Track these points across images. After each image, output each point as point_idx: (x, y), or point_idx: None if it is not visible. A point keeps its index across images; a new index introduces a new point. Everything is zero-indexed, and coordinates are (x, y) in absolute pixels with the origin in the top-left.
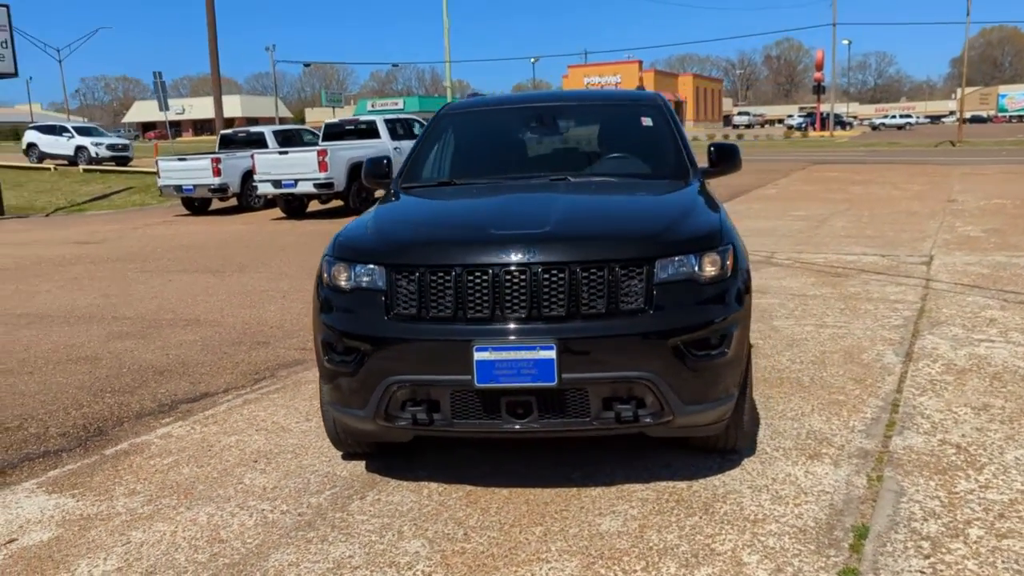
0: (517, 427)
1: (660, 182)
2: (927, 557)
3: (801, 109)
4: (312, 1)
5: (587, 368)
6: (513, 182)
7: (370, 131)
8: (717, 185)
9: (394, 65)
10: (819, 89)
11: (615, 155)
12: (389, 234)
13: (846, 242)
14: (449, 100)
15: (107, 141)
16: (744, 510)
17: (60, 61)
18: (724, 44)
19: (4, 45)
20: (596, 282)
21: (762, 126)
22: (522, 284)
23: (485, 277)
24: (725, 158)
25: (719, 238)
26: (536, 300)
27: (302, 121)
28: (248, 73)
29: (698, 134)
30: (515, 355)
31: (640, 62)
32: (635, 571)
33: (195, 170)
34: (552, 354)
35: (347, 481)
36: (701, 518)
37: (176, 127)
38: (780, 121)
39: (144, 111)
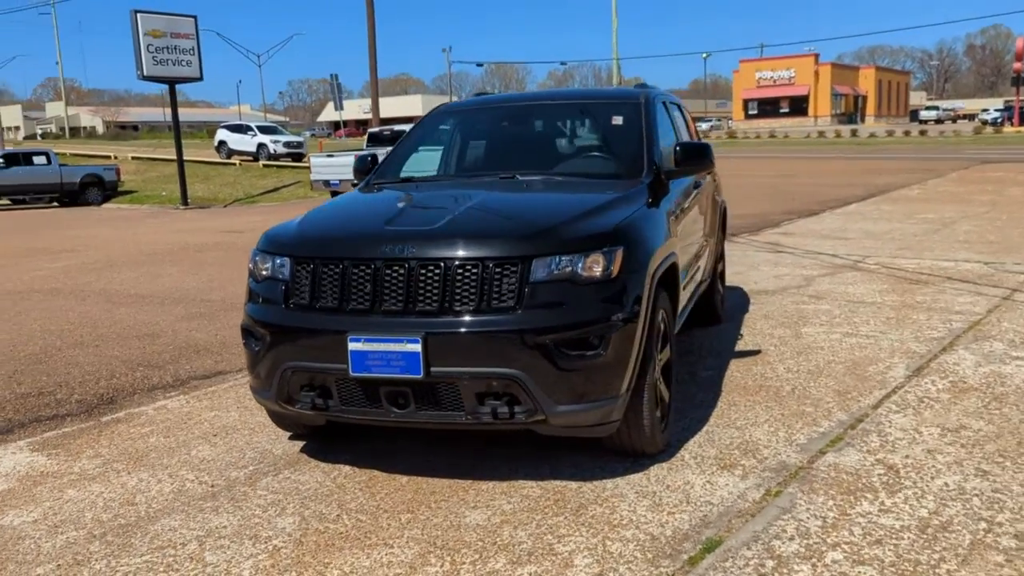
0: (396, 416)
1: (607, 181)
2: None
3: (1006, 103)
4: (491, 4)
5: (455, 363)
6: (466, 179)
7: None
8: (849, 185)
9: (562, 64)
10: (1019, 81)
11: (578, 154)
12: (304, 229)
13: (956, 247)
14: None
15: (284, 139)
16: (614, 514)
17: (260, 66)
18: (920, 34)
19: (191, 52)
20: (468, 279)
21: (954, 120)
22: (399, 279)
23: (367, 271)
24: (691, 158)
25: (608, 239)
26: (411, 295)
27: None
28: (435, 74)
29: (876, 130)
30: (385, 347)
31: (816, 55)
32: (464, 563)
33: (340, 166)
34: (418, 347)
35: (275, 459)
36: (565, 519)
37: (364, 125)
38: (975, 116)
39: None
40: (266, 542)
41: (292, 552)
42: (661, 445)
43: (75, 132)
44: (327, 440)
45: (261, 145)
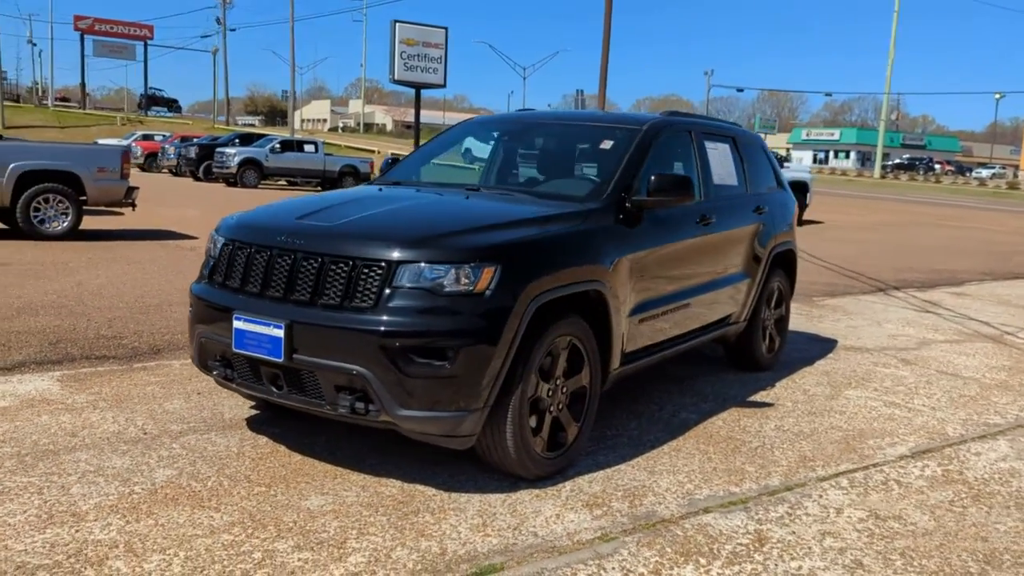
0: (276, 396)
1: (558, 203)
2: None
3: None
4: (757, 26)
5: (313, 352)
6: (436, 187)
7: None
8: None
9: (827, 95)
10: None
11: (561, 175)
12: (245, 214)
13: None
14: (881, 132)
15: None
16: (434, 525)
17: (524, 78)
18: None
19: (439, 60)
20: (337, 276)
21: None
22: (285, 268)
23: (264, 257)
24: (663, 189)
25: (479, 255)
26: (291, 284)
27: None
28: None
29: None
30: (257, 328)
31: None
32: (255, 538)
33: None
34: (280, 332)
35: (218, 422)
36: (387, 519)
37: None
38: None
39: None
40: (129, 487)
41: (138, 499)
42: (537, 472)
43: (368, 127)
44: (277, 414)
45: None
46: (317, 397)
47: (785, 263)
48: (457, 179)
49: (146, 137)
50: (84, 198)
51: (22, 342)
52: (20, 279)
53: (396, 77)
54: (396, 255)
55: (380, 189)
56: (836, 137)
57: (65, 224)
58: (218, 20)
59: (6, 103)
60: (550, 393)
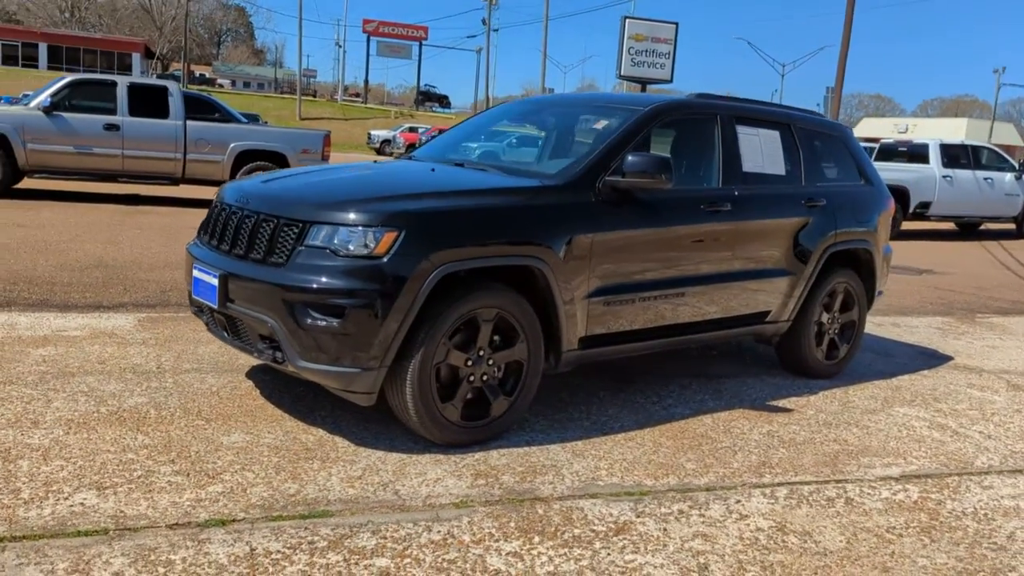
0: (228, 342)
1: (517, 178)
2: None
3: None
4: None
5: (239, 302)
6: (433, 161)
7: (920, 155)
8: None
9: None
10: None
11: (553, 154)
12: (239, 180)
13: None
14: None
15: None
16: (295, 468)
17: (782, 75)
18: None
19: (667, 56)
20: (264, 233)
21: None
22: (232, 224)
23: (223, 215)
24: (640, 171)
25: (382, 220)
26: (233, 239)
27: None
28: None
29: None
30: (204, 277)
31: None
32: (153, 460)
33: None
34: (215, 281)
35: (231, 367)
36: (267, 459)
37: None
38: None
39: (869, 128)
40: (97, 407)
41: (94, 417)
42: (446, 438)
43: None
44: None
45: None
46: (249, 344)
47: (856, 263)
48: (471, 156)
49: (411, 129)
50: None
51: (141, 289)
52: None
53: (623, 73)
54: (309, 216)
55: (374, 162)
56: None
57: None
58: (483, 21)
59: (304, 98)
60: (469, 363)
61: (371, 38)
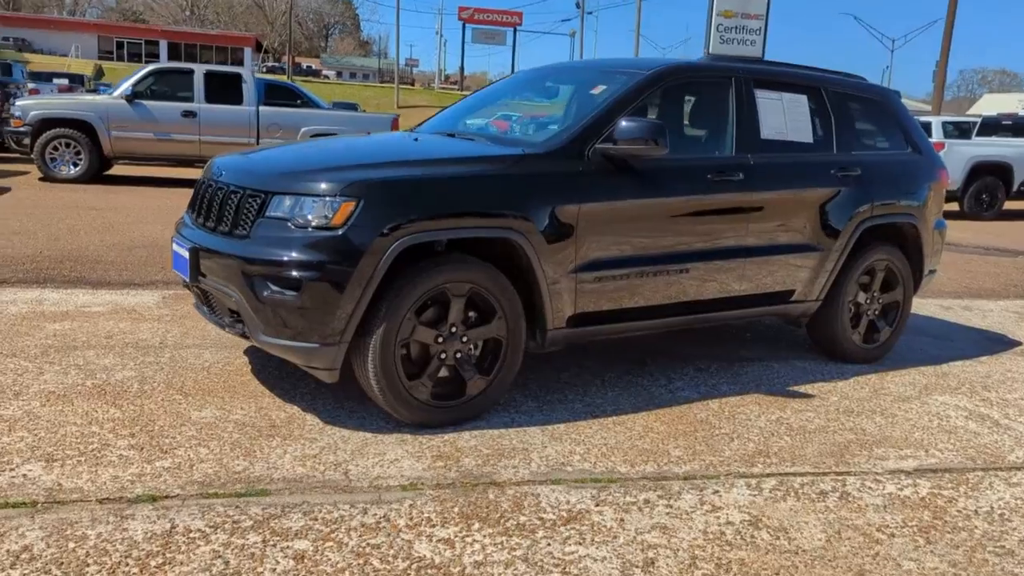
0: (207, 317)
1: (500, 147)
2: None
3: None
4: None
5: (209, 276)
6: (425, 134)
7: None
8: None
9: None
10: None
11: (550, 121)
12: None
13: None
14: None
15: None
16: (258, 444)
17: (892, 51)
18: None
19: (757, 32)
20: (229, 205)
21: None
22: (208, 198)
23: (203, 188)
24: (632, 137)
25: (339, 191)
26: (209, 213)
27: None
28: None
29: None
30: (178, 249)
31: None
32: (115, 434)
33: None
34: (186, 255)
35: (232, 342)
36: (234, 434)
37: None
38: None
39: (991, 104)
40: (84, 380)
41: (76, 390)
42: (414, 418)
43: None
44: None
45: None
46: (221, 318)
47: (900, 239)
48: (471, 128)
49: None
50: None
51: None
52: None
53: (711, 51)
54: (268, 186)
55: (367, 133)
56: None
57: None
58: (577, 4)
59: (402, 86)
60: (440, 340)
61: (466, 25)
